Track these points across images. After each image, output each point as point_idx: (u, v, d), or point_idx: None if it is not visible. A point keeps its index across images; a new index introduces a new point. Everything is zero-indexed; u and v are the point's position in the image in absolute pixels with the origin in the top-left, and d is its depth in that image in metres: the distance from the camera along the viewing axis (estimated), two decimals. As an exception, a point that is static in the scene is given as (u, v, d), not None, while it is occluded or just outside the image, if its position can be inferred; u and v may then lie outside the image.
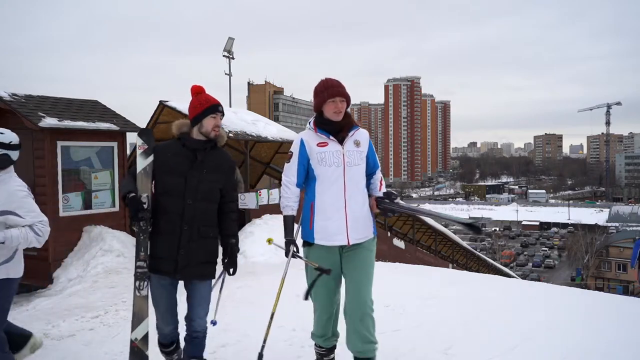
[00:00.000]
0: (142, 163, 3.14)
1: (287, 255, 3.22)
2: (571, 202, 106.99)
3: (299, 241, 3.29)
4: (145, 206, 3.03)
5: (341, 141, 3.19)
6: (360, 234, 3.19)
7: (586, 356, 4.03)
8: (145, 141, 3.20)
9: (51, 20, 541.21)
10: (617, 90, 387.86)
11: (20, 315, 5.77)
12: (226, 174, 3.22)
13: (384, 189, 3.35)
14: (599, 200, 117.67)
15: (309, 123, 3.29)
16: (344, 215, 3.15)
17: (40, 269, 7.42)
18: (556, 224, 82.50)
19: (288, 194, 3.25)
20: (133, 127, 8.61)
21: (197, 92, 3.22)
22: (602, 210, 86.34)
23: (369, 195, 3.31)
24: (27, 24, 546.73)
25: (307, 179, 3.28)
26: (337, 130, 3.19)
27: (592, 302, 6.15)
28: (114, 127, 8.34)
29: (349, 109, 3.29)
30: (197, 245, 3.11)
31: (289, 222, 3.23)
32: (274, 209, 10.99)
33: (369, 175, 3.35)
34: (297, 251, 3.23)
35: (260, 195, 10.76)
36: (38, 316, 5.66)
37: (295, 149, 3.26)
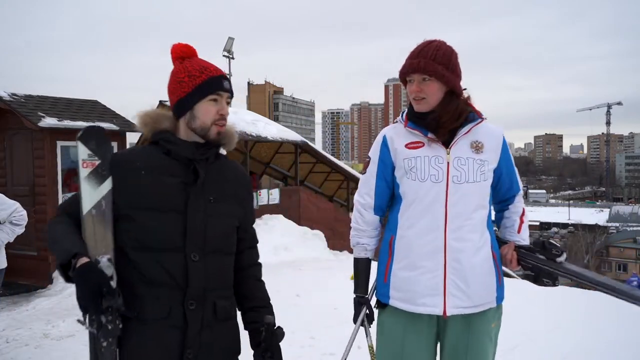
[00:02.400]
0: (93, 195, 1.54)
1: (355, 319, 2.05)
2: (571, 202, 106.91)
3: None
4: (113, 284, 1.47)
5: (447, 142, 1.94)
6: (470, 300, 1.89)
7: (586, 356, 4.04)
8: (95, 151, 1.58)
9: (51, 20, 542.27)
10: (617, 90, 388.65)
11: (20, 315, 5.78)
12: (244, 201, 1.78)
13: (524, 232, 2.12)
14: (599, 200, 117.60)
15: (402, 114, 2.07)
16: (442, 263, 1.88)
17: (40, 269, 7.42)
18: (556, 224, 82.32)
19: (360, 224, 2.07)
20: (133, 128, 8.59)
21: (182, 55, 1.68)
22: (602, 210, 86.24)
23: (503, 240, 2.07)
24: (27, 24, 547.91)
25: (392, 200, 2.07)
26: (441, 123, 1.93)
27: (592, 302, 6.15)
28: (113, 127, 8.32)
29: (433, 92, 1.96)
30: (215, 335, 1.62)
31: (360, 269, 2.08)
32: (274, 209, 11.02)
33: (502, 202, 2.12)
34: (372, 316, 2.07)
35: (260, 195, 10.79)
36: (38, 316, 5.66)
37: (374, 152, 2.04)
